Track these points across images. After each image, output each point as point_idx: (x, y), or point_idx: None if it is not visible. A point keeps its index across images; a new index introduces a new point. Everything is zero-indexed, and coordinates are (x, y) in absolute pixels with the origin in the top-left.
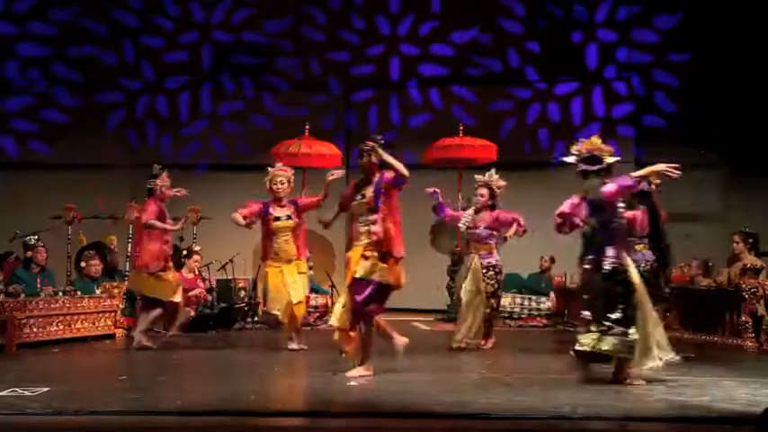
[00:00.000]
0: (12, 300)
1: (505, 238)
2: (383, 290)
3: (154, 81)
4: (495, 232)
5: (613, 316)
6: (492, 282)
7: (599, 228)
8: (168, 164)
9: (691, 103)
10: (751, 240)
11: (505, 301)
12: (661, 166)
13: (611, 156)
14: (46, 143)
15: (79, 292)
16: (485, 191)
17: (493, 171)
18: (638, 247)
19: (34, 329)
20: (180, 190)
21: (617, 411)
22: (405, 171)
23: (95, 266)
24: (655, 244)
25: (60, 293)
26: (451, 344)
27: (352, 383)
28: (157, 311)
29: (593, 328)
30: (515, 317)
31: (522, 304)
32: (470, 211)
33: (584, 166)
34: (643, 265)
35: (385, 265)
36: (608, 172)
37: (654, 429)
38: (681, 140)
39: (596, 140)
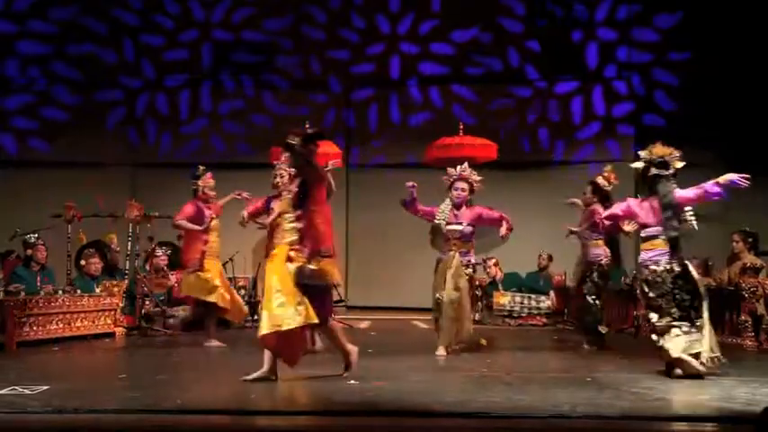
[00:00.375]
0: (12, 298)
1: (503, 238)
2: (325, 292)
3: (154, 79)
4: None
5: (693, 310)
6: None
7: (675, 229)
8: (168, 162)
9: (691, 103)
10: (751, 240)
11: (505, 299)
12: (733, 176)
13: (679, 161)
14: (46, 141)
15: (79, 291)
16: (465, 185)
17: (466, 165)
18: (598, 243)
19: (34, 328)
20: (241, 192)
21: (616, 410)
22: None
23: (95, 265)
24: (609, 239)
25: (60, 292)
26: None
27: (352, 383)
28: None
29: (677, 330)
30: (515, 315)
31: (521, 303)
32: (445, 206)
33: (655, 171)
34: (604, 260)
35: (314, 267)
36: (675, 176)
37: (653, 429)
38: (681, 139)
39: (663, 147)
